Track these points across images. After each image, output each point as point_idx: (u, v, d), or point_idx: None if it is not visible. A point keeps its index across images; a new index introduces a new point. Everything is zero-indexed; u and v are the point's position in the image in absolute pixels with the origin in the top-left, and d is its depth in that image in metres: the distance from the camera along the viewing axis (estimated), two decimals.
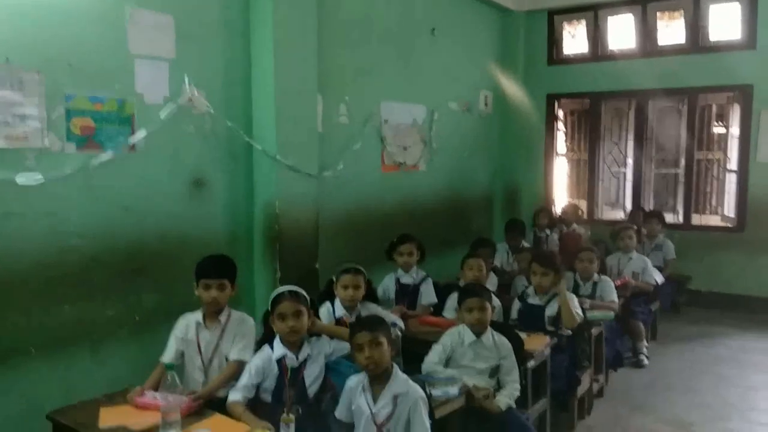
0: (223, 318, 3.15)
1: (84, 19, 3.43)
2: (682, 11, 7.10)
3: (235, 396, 2.82)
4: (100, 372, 3.54)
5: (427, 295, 4.55)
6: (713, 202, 7.51)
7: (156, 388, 2.85)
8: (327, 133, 4.99)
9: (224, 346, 3.13)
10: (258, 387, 2.88)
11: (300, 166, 4.47)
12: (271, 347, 2.92)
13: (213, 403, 2.82)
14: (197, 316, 3.16)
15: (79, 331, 3.47)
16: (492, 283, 4.81)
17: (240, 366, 3.09)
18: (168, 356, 3.09)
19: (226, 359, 3.12)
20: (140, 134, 3.71)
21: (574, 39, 7.87)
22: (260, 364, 2.89)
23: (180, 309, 3.32)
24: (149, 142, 3.77)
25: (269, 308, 2.97)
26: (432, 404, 2.81)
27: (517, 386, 3.34)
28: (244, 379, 2.86)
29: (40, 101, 3.24)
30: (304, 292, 3.01)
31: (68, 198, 3.41)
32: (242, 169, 4.37)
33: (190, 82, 3.97)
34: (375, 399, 2.68)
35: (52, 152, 3.32)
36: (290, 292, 2.96)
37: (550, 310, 4.05)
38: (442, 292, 4.67)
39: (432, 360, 3.38)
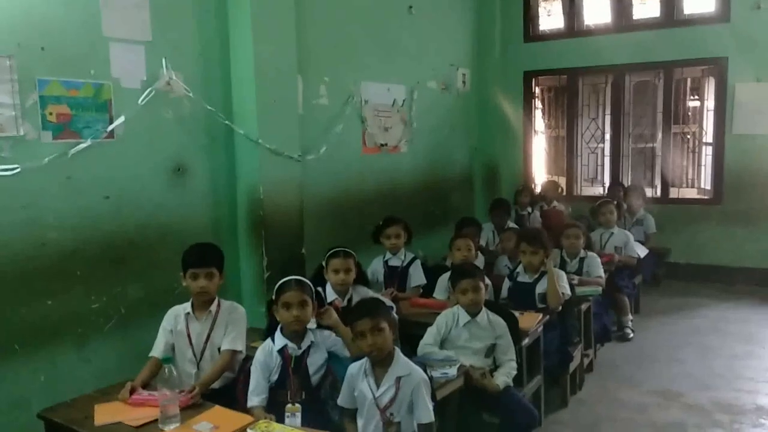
0: (213, 308, 3.08)
1: (55, 1, 3.28)
2: None
3: (253, 401, 2.74)
4: (87, 367, 3.44)
5: (417, 277, 4.52)
6: (690, 175, 7.59)
7: (147, 384, 2.78)
8: (307, 115, 4.88)
9: (216, 336, 3.06)
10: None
11: (283, 149, 4.38)
12: (273, 340, 2.85)
13: (209, 395, 2.76)
14: (186, 307, 3.08)
15: (63, 326, 3.36)
16: (479, 262, 4.77)
17: (233, 355, 3.04)
18: (158, 350, 3.00)
19: (218, 350, 3.05)
20: (119, 121, 3.58)
21: (550, 15, 7.85)
22: (262, 359, 2.81)
23: (165, 299, 3.26)
24: (128, 129, 3.64)
25: (273, 297, 2.89)
26: (433, 386, 2.78)
27: (514, 365, 3.34)
28: (254, 380, 2.78)
29: (12, 88, 3.10)
30: (310, 283, 2.94)
31: (46, 188, 3.28)
32: (223, 154, 4.26)
33: (168, 65, 3.84)
34: (378, 383, 2.63)
35: (28, 141, 3.19)
36: (296, 281, 2.88)
37: (541, 288, 4.05)
38: (430, 273, 4.64)
39: (427, 342, 3.35)
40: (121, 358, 3.50)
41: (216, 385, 2.95)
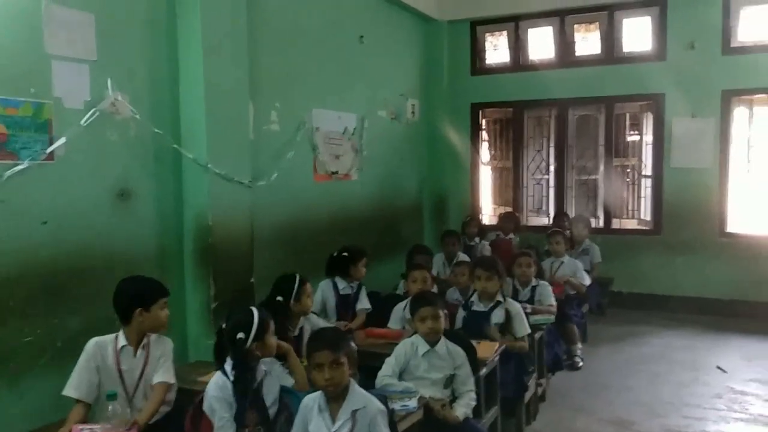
0: (145, 341, 2.92)
1: None
2: (597, 23, 7.38)
3: None
4: (19, 405, 3.17)
5: (364, 301, 4.58)
6: (631, 207, 7.81)
7: None
8: (258, 141, 4.78)
9: (149, 371, 2.91)
10: None
11: (233, 174, 4.25)
12: (224, 372, 2.69)
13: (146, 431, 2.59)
14: (116, 339, 2.89)
15: None
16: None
17: (167, 388, 2.89)
18: (80, 391, 2.76)
19: (149, 385, 2.88)
20: (59, 142, 3.38)
21: (497, 50, 8.02)
22: (219, 394, 2.64)
23: (105, 331, 3.04)
24: (69, 151, 3.44)
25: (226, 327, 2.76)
26: (394, 419, 2.69)
27: (473, 395, 3.28)
28: (219, 419, 2.61)
29: None
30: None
31: None
32: (171, 179, 4.09)
33: (113, 86, 3.68)
34: (333, 418, 2.52)
35: None
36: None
37: (496, 318, 4.02)
38: (383, 303, 4.57)
39: (386, 373, 3.25)
40: (57, 396, 3.18)
41: (154, 419, 2.78)
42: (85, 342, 3.25)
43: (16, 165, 3.19)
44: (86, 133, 3.53)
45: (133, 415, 2.73)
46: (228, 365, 2.70)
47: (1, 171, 3.13)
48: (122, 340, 2.88)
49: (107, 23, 3.65)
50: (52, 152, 3.36)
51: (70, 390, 2.77)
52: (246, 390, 2.63)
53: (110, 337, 2.91)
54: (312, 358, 2.51)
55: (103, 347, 2.87)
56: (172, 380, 2.92)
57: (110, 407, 2.27)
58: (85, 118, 3.52)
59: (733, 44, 6.73)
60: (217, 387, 2.66)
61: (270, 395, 2.71)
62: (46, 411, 3.10)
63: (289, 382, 2.89)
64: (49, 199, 3.36)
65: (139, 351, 2.90)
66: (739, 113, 6.94)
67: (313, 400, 2.58)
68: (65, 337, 3.41)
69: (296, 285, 3.62)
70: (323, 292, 4.53)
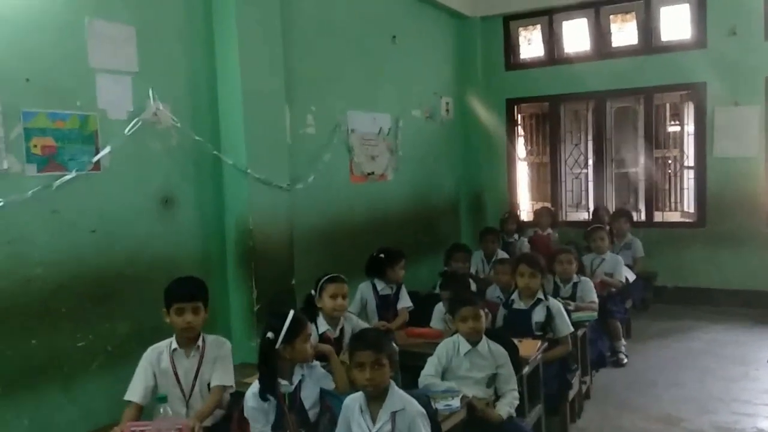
0: (200, 343, 2.98)
1: (41, 31, 3.21)
2: (633, 13, 7.25)
3: None
4: (73, 408, 3.28)
5: (405, 299, 4.59)
6: (673, 199, 7.65)
7: None
8: (295, 145, 4.84)
9: (205, 372, 2.98)
10: None
11: (271, 179, 4.31)
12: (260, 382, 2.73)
13: None
14: (170, 343, 2.98)
15: (48, 366, 3.20)
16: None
17: (224, 391, 2.94)
18: (136, 394, 2.86)
19: (208, 386, 2.94)
20: (105, 151, 3.49)
21: (531, 44, 7.95)
22: (256, 404, 2.68)
23: (155, 335, 3.13)
24: (114, 160, 3.55)
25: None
26: (437, 419, 2.70)
27: (516, 394, 3.27)
28: (254, 428, 2.67)
29: None
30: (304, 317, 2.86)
31: (30, 223, 3.16)
32: (212, 185, 4.17)
33: (155, 96, 3.77)
34: (373, 419, 2.54)
35: (12, 175, 3.07)
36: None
37: (537, 316, 4.00)
38: (423, 302, 4.59)
39: (428, 372, 3.26)
40: (109, 398, 3.33)
41: (207, 422, 2.84)
42: (134, 346, 3.37)
43: (65, 175, 3.29)
44: (130, 142, 3.63)
45: (190, 416, 2.80)
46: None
47: (51, 182, 3.23)
48: (174, 344, 2.96)
49: (147, 35, 3.74)
50: (98, 162, 3.47)
51: (128, 394, 2.87)
52: (269, 392, 2.63)
53: (167, 341, 2.99)
54: (354, 357, 2.54)
55: (160, 351, 2.96)
56: (230, 383, 2.96)
57: (161, 410, 2.33)
58: (129, 128, 3.62)
59: None
60: (252, 398, 2.69)
61: (309, 399, 2.73)
62: (99, 413, 3.21)
63: (330, 384, 2.90)
64: (97, 208, 3.47)
65: (192, 353, 2.96)
66: None
67: (354, 400, 2.60)
68: (116, 342, 3.52)
69: (319, 284, 3.66)
70: (362, 293, 4.56)
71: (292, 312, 2.76)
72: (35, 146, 3.17)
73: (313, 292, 3.73)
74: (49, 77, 3.25)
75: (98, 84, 3.48)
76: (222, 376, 2.95)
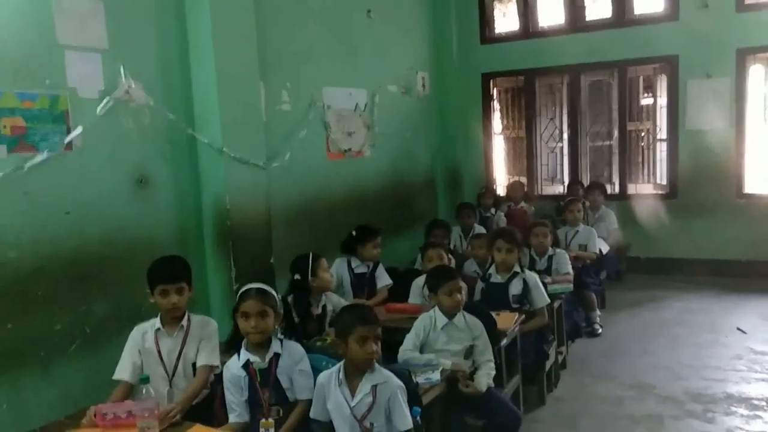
0: (184, 322, 2.98)
1: (5, 8, 3.12)
2: None
3: (231, 419, 2.68)
4: (53, 391, 3.28)
5: (384, 278, 4.58)
6: (646, 171, 7.75)
7: None
8: (270, 122, 4.79)
9: (189, 351, 2.97)
10: None
11: (248, 157, 4.29)
12: (238, 354, 2.75)
13: (189, 413, 2.66)
14: (154, 323, 2.97)
15: (26, 349, 3.20)
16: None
17: (210, 371, 2.94)
18: (125, 372, 2.86)
19: (193, 366, 2.95)
20: (76, 132, 3.44)
21: (505, 17, 7.93)
22: (229, 375, 2.71)
23: (134, 316, 3.13)
24: (86, 140, 3.50)
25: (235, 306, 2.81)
26: (419, 392, 2.74)
27: (492, 365, 3.32)
28: (227, 399, 2.70)
29: None
30: (273, 291, 2.85)
31: (1, 205, 3.12)
32: (188, 164, 4.14)
33: (126, 74, 3.71)
34: (352, 392, 2.57)
35: None
36: (258, 290, 2.78)
37: (514, 289, 4.05)
38: (402, 277, 4.61)
39: (407, 347, 3.30)
40: (88, 381, 3.34)
41: (195, 401, 2.85)
42: (113, 327, 3.36)
43: (36, 156, 3.24)
44: (102, 122, 3.58)
45: (176, 395, 2.82)
46: (243, 348, 2.74)
47: (22, 163, 3.19)
48: (157, 323, 2.95)
49: (117, 11, 3.67)
50: (70, 143, 3.42)
51: (116, 373, 2.86)
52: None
53: (152, 321, 2.98)
54: (356, 331, 2.54)
55: (144, 331, 2.95)
56: (216, 362, 2.95)
57: (143, 390, 2.34)
58: (101, 107, 3.57)
59: (747, 1, 6.58)
60: (228, 369, 2.73)
61: (285, 376, 2.72)
62: (78, 396, 3.20)
63: (306, 364, 2.82)
64: (70, 189, 3.43)
65: (177, 332, 2.95)
66: (754, 71, 6.82)
67: (327, 377, 2.63)
68: (94, 324, 3.50)
69: (311, 261, 3.68)
70: (338, 270, 4.55)
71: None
72: (5, 127, 3.12)
73: (297, 276, 3.72)
74: (16, 56, 3.18)
75: (67, 61, 3.42)
76: (208, 355, 2.95)
